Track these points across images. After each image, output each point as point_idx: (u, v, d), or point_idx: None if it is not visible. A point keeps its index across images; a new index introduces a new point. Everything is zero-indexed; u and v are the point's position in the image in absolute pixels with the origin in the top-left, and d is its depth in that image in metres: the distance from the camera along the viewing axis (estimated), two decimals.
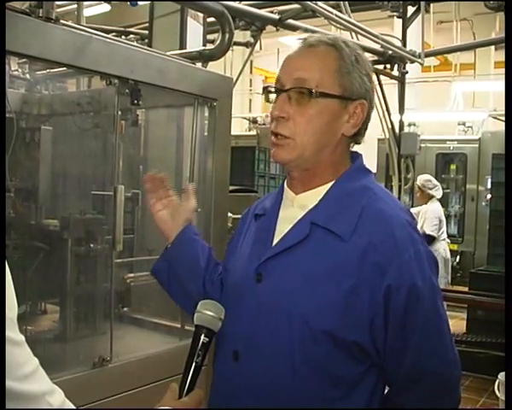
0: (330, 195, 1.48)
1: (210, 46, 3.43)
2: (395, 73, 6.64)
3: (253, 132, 11.61)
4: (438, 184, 7.44)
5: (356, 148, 1.58)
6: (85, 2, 4.42)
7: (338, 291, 1.37)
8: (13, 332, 0.98)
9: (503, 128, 9.70)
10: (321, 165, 1.49)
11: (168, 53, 3.01)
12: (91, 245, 2.72)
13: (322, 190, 1.49)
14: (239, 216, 4.73)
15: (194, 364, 1.30)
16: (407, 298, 1.36)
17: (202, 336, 1.32)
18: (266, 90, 1.54)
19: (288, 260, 1.44)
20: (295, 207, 1.51)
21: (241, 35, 6.68)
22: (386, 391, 1.51)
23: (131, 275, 3.07)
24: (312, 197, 1.49)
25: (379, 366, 1.43)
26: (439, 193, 7.34)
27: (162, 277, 1.76)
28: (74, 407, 1.07)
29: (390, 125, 6.58)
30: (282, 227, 1.50)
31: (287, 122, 1.44)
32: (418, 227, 1.79)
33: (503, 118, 9.79)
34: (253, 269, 1.48)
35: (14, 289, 1.02)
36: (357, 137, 1.53)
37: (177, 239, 1.69)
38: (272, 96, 1.51)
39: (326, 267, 1.40)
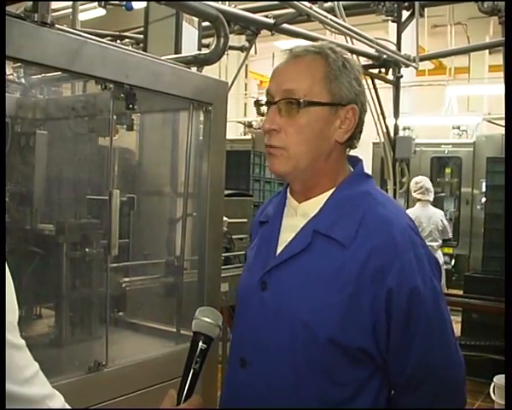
0: (331, 202, 1.49)
1: (205, 50, 3.43)
2: (390, 77, 6.65)
3: (249, 136, 11.65)
4: (422, 186, 7.21)
5: (351, 151, 1.59)
6: (81, 7, 4.41)
7: (340, 298, 1.38)
8: (14, 336, 0.98)
9: (498, 132, 9.77)
10: (318, 174, 1.49)
11: (163, 57, 3.01)
12: (87, 250, 2.71)
13: (324, 198, 1.50)
14: (234, 220, 4.72)
15: (192, 370, 1.30)
16: (409, 301, 1.38)
17: (200, 343, 1.32)
18: (257, 104, 1.55)
19: (291, 269, 1.46)
20: (298, 216, 1.52)
21: (236, 39, 6.68)
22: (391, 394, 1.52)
23: (127, 279, 3.06)
24: (314, 205, 1.50)
25: (383, 369, 1.44)
26: (423, 196, 7.24)
27: None
28: None
29: (385, 129, 6.60)
30: (286, 236, 1.51)
31: (278, 134, 1.45)
32: None
33: (498, 122, 9.87)
34: (258, 278, 1.49)
35: (15, 294, 1.02)
36: (352, 141, 1.53)
37: None
38: (264, 109, 1.52)
39: (328, 274, 1.41)
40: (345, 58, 1.49)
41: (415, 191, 7.16)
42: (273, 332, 1.45)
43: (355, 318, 1.38)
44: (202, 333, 1.33)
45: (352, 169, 1.56)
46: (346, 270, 1.39)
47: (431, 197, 7.28)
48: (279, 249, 1.50)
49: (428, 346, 1.42)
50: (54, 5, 2.55)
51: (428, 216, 7.21)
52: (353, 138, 1.52)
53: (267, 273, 1.48)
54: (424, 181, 7.27)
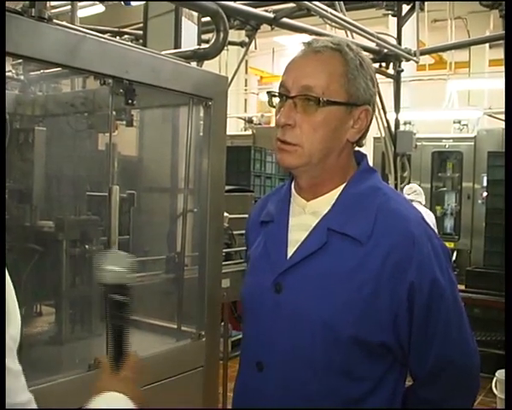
0: (342, 199, 1.48)
1: (205, 45, 3.41)
2: (390, 71, 6.64)
3: (249, 132, 11.63)
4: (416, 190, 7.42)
5: None
6: (80, 3, 4.40)
7: (360, 295, 1.38)
8: (11, 361, 0.94)
9: (498, 126, 9.74)
10: (328, 171, 1.48)
11: (163, 52, 2.99)
12: (86, 246, 2.70)
13: (334, 195, 1.49)
14: (235, 216, 4.70)
15: (111, 327, 1.23)
16: (430, 293, 1.39)
17: (111, 295, 1.24)
18: (270, 95, 1.52)
19: (307, 269, 1.44)
20: (308, 215, 1.50)
21: (236, 34, 6.68)
22: (410, 384, 1.53)
23: None
24: (325, 203, 1.48)
25: (401, 361, 1.45)
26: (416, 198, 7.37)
27: None
28: None
29: (386, 124, 6.59)
30: (297, 235, 1.49)
31: (293, 129, 1.43)
32: None
33: (498, 116, 9.84)
34: (271, 280, 1.47)
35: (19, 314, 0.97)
36: (360, 140, 1.53)
37: None
38: (275, 101, 1.50)
39: (346, 272, 1.40)
40: (361, 57, 1.48)
41: (408, 194, 7.24)
42: (292, 334, 1.43)
43: (376, 314, 1.38)
44: (113, 284, 1.25)
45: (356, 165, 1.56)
46: (366, 267, 1.38)
47: (422, 200, 7.37)
48: (289, 250, 1.48)
49: (448, 335, 1.43)
50: (53, 3, 2.53)
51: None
52: (362, 137, 1.52)
53: (281, 275, 1.46)
54: (416, 186, 7.45)
